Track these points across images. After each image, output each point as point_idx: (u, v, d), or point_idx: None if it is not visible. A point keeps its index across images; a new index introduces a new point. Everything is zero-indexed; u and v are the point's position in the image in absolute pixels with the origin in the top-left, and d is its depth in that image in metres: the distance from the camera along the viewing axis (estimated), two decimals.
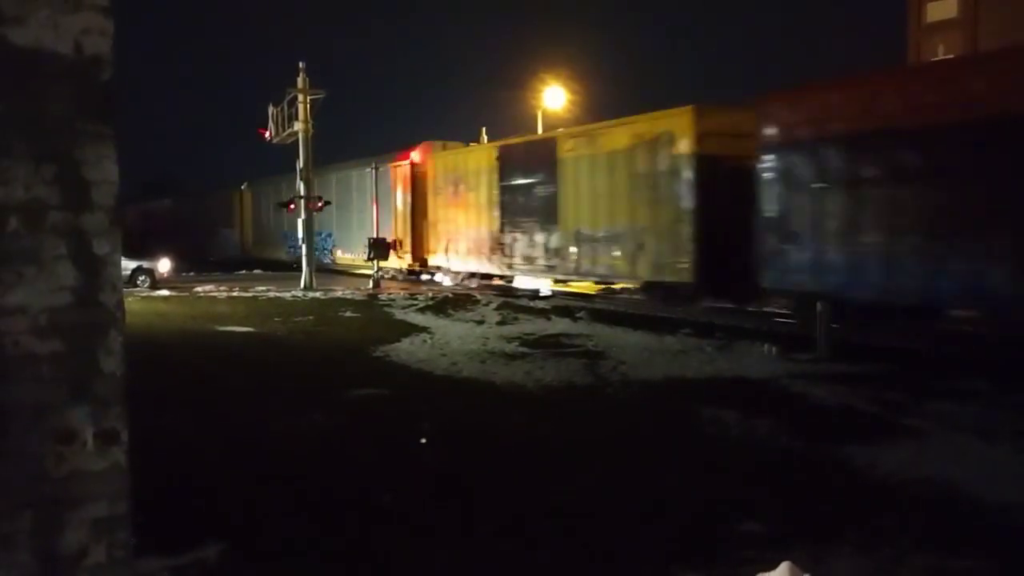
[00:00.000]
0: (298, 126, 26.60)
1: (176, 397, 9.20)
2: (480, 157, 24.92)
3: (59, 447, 2.78)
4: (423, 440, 7.26)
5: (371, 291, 23.89)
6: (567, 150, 20.75)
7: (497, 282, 24.94)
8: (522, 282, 24.20)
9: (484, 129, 30.95)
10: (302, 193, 27.03)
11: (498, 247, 23.66)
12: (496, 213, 23.66)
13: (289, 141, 27.77)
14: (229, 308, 19.46)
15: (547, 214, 21.46)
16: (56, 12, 2.76)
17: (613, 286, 21.71)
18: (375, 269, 26.42)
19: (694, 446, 7.37)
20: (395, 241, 28.67)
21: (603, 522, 5.37)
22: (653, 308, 18.61)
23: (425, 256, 28.00)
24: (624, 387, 9.93)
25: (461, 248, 25.65)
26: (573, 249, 20.59)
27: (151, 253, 27.44)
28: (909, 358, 11.47)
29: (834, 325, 12.35)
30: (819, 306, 12.22)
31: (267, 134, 28.69)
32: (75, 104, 2.80)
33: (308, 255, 26.48)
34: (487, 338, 14.03)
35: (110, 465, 2.86)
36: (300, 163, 26.82)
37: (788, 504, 5.73)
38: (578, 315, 17.02)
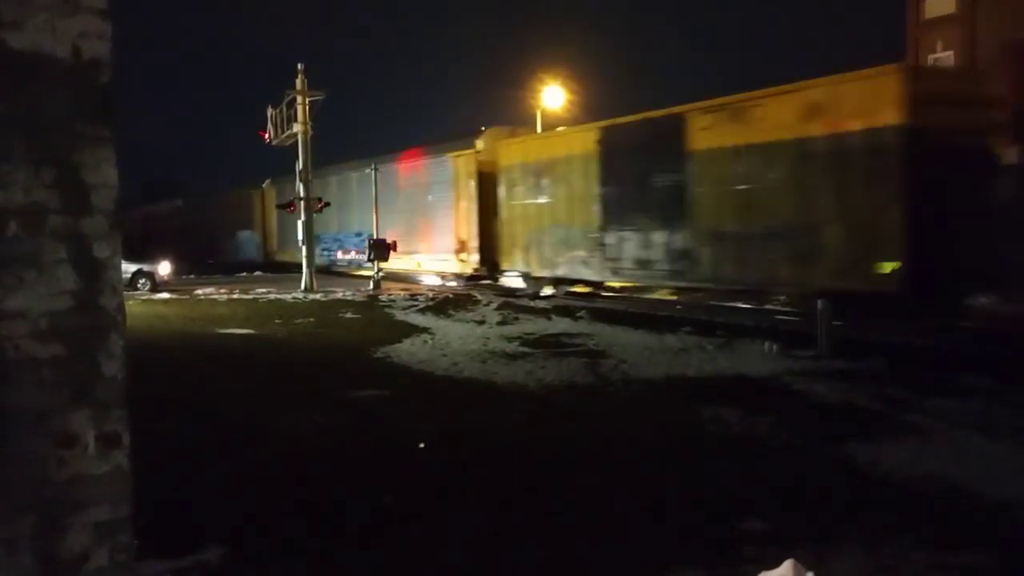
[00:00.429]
0: (297, 127, 26.62)
1: (177, 400, 9.20)
2: (573, 142, 21.04)
3: (60, 451, 2.78)
4: (421, 445, 7.23)
5: (371, 292, 23.89)
6: (701, 128, 16.90)
7: (582, 289, 21.77)
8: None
9: (483, 128, 30.83)
10: (302, 194, 27.01)
11: (598, 249, 19.91)
12: (596, 208, 20.01)
13: (288, 143, 27.80)
14: (229, 311, 19.46)
15: (670, 208, 17.64)
16: (54, 15, 2.76)
17: (774, 298, 16.85)
18: (375, 270, 26.38)
19: (695, 444, 7.36)
20: (460, 243, 25.63)
21: (605, 521, 5.37)
22: (653, 307, 18.56)
23: (496, 259, 24.43)
24: (625, 386, 9.93)
25: (546, 250, 21.90)
26: (708, 250, 16.85)
27: (155, 257, 27.42)
28: (910, 354, 11.47)
29: (836, 323, 12.33)
30: (820, 303, 12.21)
31: (267, 136, 28.69)
32: (74, 107, 2.80)
33: (308, 257, 26.49)
34: (488, 338, 14.03)
35: (112, 468, 2.87)
36: (299, 164, 26.82)
37: (790, 502, 5.72)
38: (578, 314, 17.01)
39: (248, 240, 43.97)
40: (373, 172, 29.03)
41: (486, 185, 24.58)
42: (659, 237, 18.16)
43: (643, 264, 18.74)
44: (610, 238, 19.62)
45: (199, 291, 25.01)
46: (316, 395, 9.53)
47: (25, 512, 2.73)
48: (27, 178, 2.73)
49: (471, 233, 25.26)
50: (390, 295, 22.58)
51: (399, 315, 17.83)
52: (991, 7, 30.29)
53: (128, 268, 23.84)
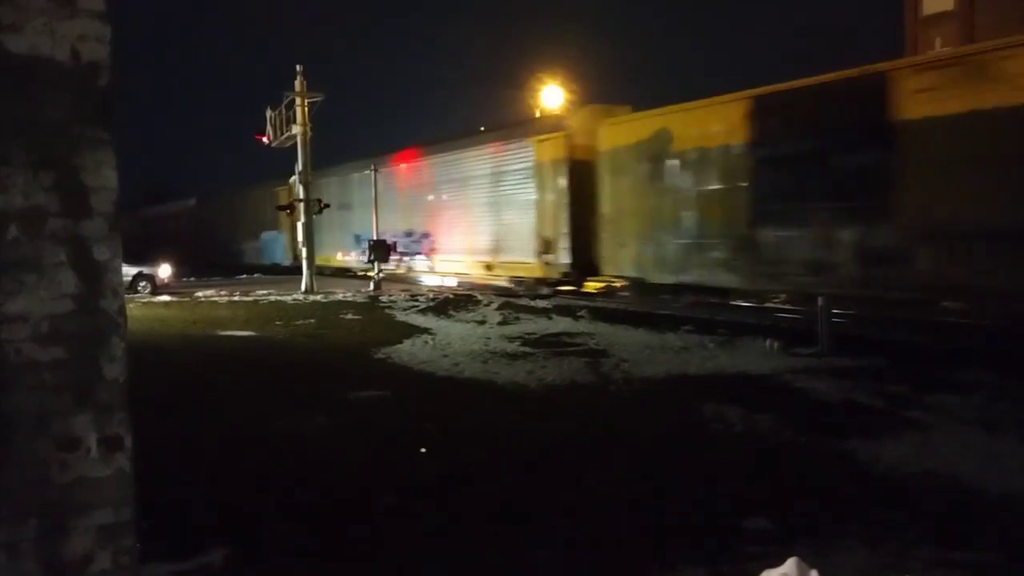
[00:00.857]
0: (296, 129, 26.63)
1: (178, 402, 9.20)
2: (709, 118, 16.95)
3: (63, 454, 2.79)
4: (423, 450, 7.21)
5: (372, 293, 23.90)
6: (916, 91, 13.01)
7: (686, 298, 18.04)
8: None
9: (482, 128, 30.79)
10: (301, 196, 26.99)
11: (748, 249, 15.93)
12: (743, 199, 15.96)
13: (288, 144, 27.80)
14: (230, 313, 19.47)
15: (863, 197, 13.78)
16: (53, 19, 2.76)
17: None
18: (376, 271, 26.36)
19: (697, 443, 7.36)
20: (545, 243, 21.62)
21: (608, 520, 5.37)
22: (654, 306, 18.49)
23: (595, 262, 20.33)
24: (627, 385, 9.93)
25: (667, 251, 17.92)
26: (928, 251, 12.84)
27: (156, 259, 27.42)
28: (911, 351, 11.47)
29: (836, 320, 12.32)
30: (820, 300, 12.21)
31: (265, 138, 28.70)
32: (73, 110, 2.81)
33: (308, 258, 26.49)
34: (489, 338, 14.03)
35: (114, 471, 2.87)
36: (299, 166, 26.82)
37: (792, 499, 5.72)
38: (579, 314, 17.01)
39: (274, 241, 39.79)
40: (373, 173, 28.64)
41: (579, 174, 20.50)
42: (845, 234, 14.12)
43: (817, 268, 14.62)
44: (764, 235, 15.56)
45: (199, 293, 25.02)
46: (317, 396, 9.53)
47: (28, 516, 2.73)
48: (27, 181, 2.73)
49: (559, 231, 21.07)
50: (391, 296, 22.58)
51: (400, 316, 17.83)
52: (989, 2, 30.29)
53: (128, 271, 23.86)
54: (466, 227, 25.25)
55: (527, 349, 12.79)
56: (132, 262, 24.57)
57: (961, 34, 30.67)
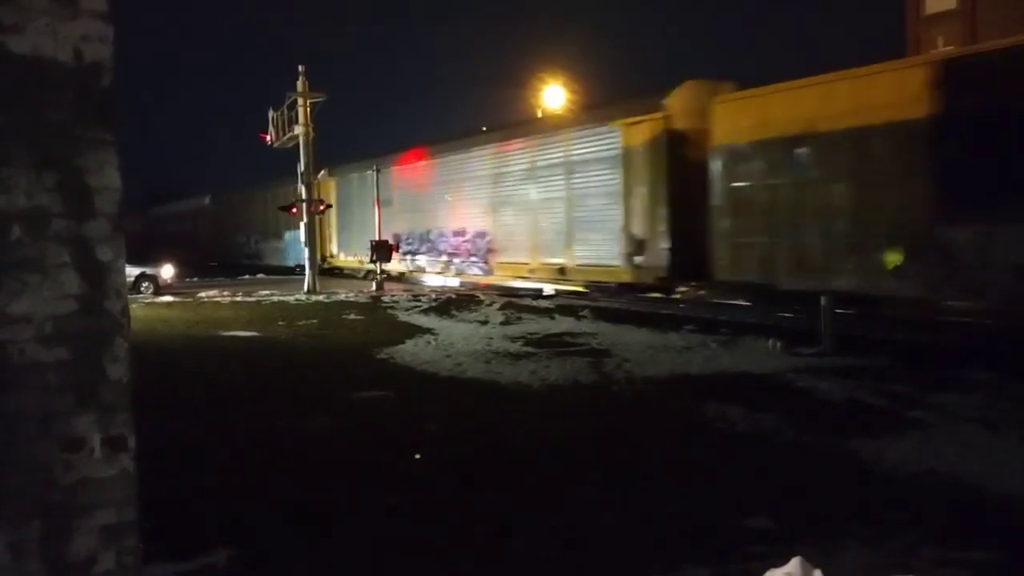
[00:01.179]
0: (298, 129, 26.64)
1: (181, 402, 9.20)
2: (869, 91, 13.65)
3: (67, 455, 2.79)
4: (417, 456, 7.15)
5: (374, 293, 23.91)
6: None
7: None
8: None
9: (484, 128, 30.67)
10: (304, 196, 26.98)
11: (925, 250, 12.71)
12: (920, 189, 12.80)
13: (290, 144, 27.81)
14: (233, 313, 19.48)
15: None
16: (55, 19, 2.77)
17: None
18: (378, 271, 26.34)
19: (700, 442, 7.36)
20: (635, 243, 18.37)
21: (611, 519, 5.37)
22: (656, 306, 18.49)
23: (701, 264, 16.83)
24: (629, 384, 9.93)
25: (809, 253, 14.65)
26: None
27: (159, 260, 27.41)
28: (913, 351, 11.45)
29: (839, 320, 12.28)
30: (823, 300, 12.19)
31: (268, 138, 28.72)
32: (75, 111, 2.81)
33: (311, 258, 26.50)
34: (491, 338, 14.03)
35: (118, 472, 2.88)
36: (301, 167, 26.82)
37: (795, 498, 5.72)
38: (581, 314, 17.00)
39: (299, 241, 37.10)
40: (374, 174, 28.41)
41: (682, 165, 17.29)
42: None
43: None
44: (958, 235, 12.39)
45: (202, 294, 25.04)
46: (320, 397, 9.54)
47: (32, 516, 2.74)
48: (29, 182, 2.74)
49: (655, 229, 17.86)
50: (393, 296, 22.58)
51: (402, 316, 17.84)
52: (992, 1, 30.27)
53: (131, 271, 23.85)
54: (533, 225, 22.09)
55: (530, 349, 12.79)
56: (135, 262, 24.58)
57: (963, 33, 30.65)
